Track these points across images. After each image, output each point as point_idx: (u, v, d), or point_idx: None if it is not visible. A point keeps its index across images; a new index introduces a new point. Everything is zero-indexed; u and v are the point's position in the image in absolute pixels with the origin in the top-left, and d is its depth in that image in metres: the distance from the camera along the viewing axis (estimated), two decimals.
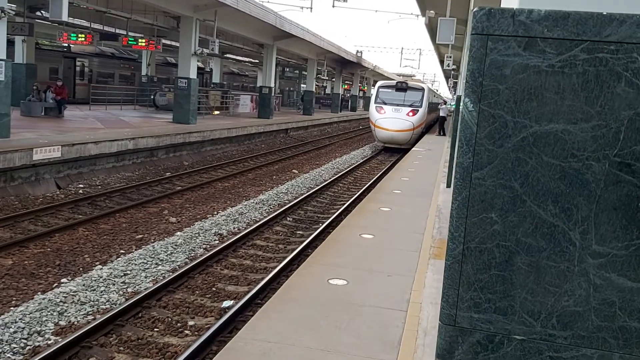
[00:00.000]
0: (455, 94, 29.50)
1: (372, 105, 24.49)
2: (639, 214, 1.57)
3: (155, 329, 6.29)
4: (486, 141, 1.65)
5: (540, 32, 1.57)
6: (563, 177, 1.62)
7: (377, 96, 24.70)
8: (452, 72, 26.02)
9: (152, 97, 30.81)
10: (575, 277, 1.63)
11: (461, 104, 1.68)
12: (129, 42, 24.64)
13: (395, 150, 24.15)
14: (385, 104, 23.87)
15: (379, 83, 26.10)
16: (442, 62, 30.31)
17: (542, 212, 1.64)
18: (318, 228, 10.50)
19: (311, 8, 32.43)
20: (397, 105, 23.73)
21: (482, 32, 1.60)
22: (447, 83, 49.30)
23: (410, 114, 23.47)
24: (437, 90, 48.76)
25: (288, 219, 11.66)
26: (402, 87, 24.69)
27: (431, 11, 17.60)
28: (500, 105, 1.62)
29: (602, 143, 1.57)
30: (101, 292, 7.09)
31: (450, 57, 20.18)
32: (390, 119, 23.17)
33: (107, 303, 6.82)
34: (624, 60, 1.53)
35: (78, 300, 6.77)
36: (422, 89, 25.13)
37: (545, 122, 1.61)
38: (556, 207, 1.63)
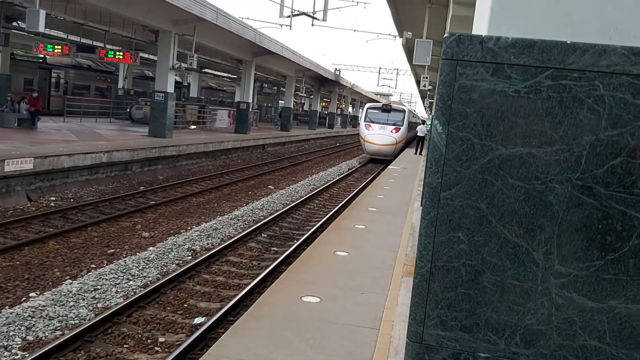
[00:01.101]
0: (431, 114, 31.45)
1: (362, 123, 28.68)
2: (599, 236, 1.62)
3: (125, 345, 6.20)
4: (454, 162, 1.70)
5: (507, 59, 1.63)
6: (527, 198, 1.67)
7: (366, 116, 29.06)
8: (429, 92, 26.34)
9: (128, 110, 30.59)
10: (538, 296, 1.67)
11: (431, 125, 1.72)
12: (107, 55, 24.49)
13: (377, 163, 27.96)
14: (372, 122, 28.16)
15: (367, 105, 30.54)
16: (418, 82, 30.69)
17: (507, 232, 1.69)
18: (293, 245, 10.48)
19: (290, 26, 32.72)
20: (383, 124, 28.02)
21: (452, 57, 1.66)
22: (424, 103, 49.87)
23: (394, 131, 27.75)
24: (414, 111, 50.67)
25: (263, 235, 11.63)
26: (386, 108, 29.46)
27: (409, 32, 17.83)
28: (468, 128, 1.68)
29: (565, 166, 1.63)
30: (70, 307, 6.98)
31: (427, 77, 20.43)
32: (377, 135, 27.50)
33: (76, 318, 6.72)
34: (586, 87, 1.60)
35: (46, 315, 6.65)
36: (404, 111, 29.65)
37: (511, 145, 1.67)
38: (520, 227, 1.68)
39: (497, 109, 1.66)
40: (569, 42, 1.61)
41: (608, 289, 1.64)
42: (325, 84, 48.48)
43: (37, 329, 6.30)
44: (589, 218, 1.62)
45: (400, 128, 28.16)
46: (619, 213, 1.61)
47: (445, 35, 1.69)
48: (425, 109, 52.83)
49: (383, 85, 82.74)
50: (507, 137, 1.66)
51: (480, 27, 2.07)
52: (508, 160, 1.67)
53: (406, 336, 1.83)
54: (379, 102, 41.90)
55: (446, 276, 1.73)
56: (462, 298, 1.72)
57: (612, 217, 1.62)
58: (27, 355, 5.70)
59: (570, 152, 1.61)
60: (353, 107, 76.43)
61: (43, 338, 6.16)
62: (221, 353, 4.54)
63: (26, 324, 6.36)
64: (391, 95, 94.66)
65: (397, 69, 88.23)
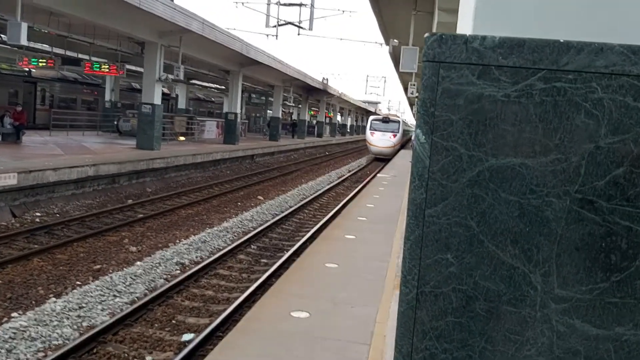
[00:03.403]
0: None
1: (368, 131, 38.03)
2: (603, 255, 1.47)
3: None
4: (439, 175, 1.54)
5: (494, 60, 1.47)
6: (522, 214, 1.52)
7: (370, 125, 37.94)
8: (416, 99, 26.39)
9: (115, 122, 30.40)
10: (537, 324, 1.50)
11: (414, 135, 1.55)
12: (92, 68, 24.31)
13: (378, 162, 35.85)
14: (375, 130, 37.16)
15: (371, 117, 40.43)
16: (406, 89, 30.97)
17: (500, 252, 1.53)
18: (283, 256, 10.34)
19: (276, 36, 32.72)
20: (383, 131, 36.86)
21: (433, 59, 1.50)
22: (412, 110, 50.07)
23: (392, 136, 36.68)
24: (405, 120, 55.82)
25: (252, 247, 11.48)
26: (386, 120, 38.62)
27: (395, 40, 17.80)
28: (453, 137, 1.52)
29: (562, 178, 1.46)
30: (54, 326, 6.80)
31: (414, 84, 20.42)
32: (379, 139, 36.58)
33: (59, 338, 6.54)
34: (583, 90, 1.44)
35: (28, 335, 6.46)
36: (399, 121, 38.88)
37: (502, 156, 1.51)
38: (515, 247, 1.52)
39: (485, 116, 1.51)
40: (562, 40, 1.46)
41: (614, 314, 1.47)
42: (313, 92, 48.49)
43: (19, 351, 6.11)
44: (591, 235, 1.46)
45: (397, 134, 36.93)
46: (623, 229, 1.45)
47: (425, 35, 1.53)
48: (414, 116, 53.20)
49: (371, 93, 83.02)
50: (497, 146, 1.51)
51: (465, 26, 1.91)
52: (499, 172, 1.51)
53: None
54: (379, 114, 52.13)
55: (434, 303, 1.56)
56: (452, 327, 1.55)
57: (616, 234, 1.46)
58: None
59: (568, 162, 1.45)
60: (342, 116, 76.50)
61: None
62: None
63: (7, 346, 6.16)
64: (379, 102, 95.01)
65: (385, 77, 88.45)
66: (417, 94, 22.85)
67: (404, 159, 32.96)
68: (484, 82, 1.48)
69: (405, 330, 1.57)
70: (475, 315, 1.53)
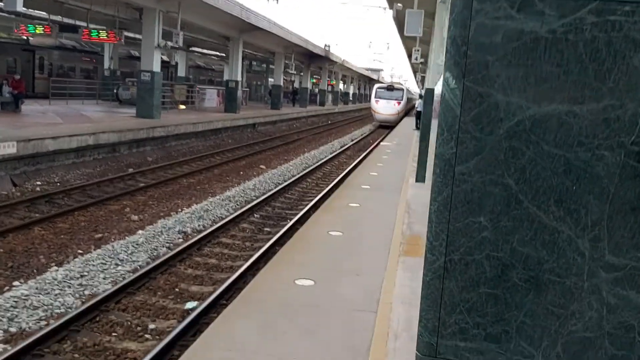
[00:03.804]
0: (422, 88, 38.35)
1: (373, 99, 38.85)
2: None
3: (114, 334, 5.99)
4: (472, 127, 1.34)
5: None
6: (568, 170, 1.31)
7: (375, 93, 38.81)
8: (420, 65, 26.03)
9: (114, 91, 30.07)
10: (585, 295, 1.30)
11: (441, 80, 1.29)
12: (90, 35, 23.88)
13: (384, 128, 36.53)
14: (380, 98, 37.95)
15: (376, 85, 41.57)
16: (409, 56, 30.54)
17: (542, 214, 1.34)
18: (286, 225, 10.23)
19: (277, 0, 32.08)
20: (388, 99, 37.65)
21: None
22: (415, 77, 49.55)
23: (396, 104, 37.47)
24: (409, 88, 55.60)
25: (255, 215, 11.37)
26: (390, 87, 39.74)
27: (399, 4, 17.39)
28: (489, 81, 1.30)
29: (616, 128, 1.24)
30: (56, 295, 6.74)
31: (418, 50, 20.04)
32: (384, 107, 37.41)
33: (61, 307, 6.48)
34: None
35: (30, 304, 6.40)
36: (403, 89, 40.02)
37: (546, 103, 1.30)
38: (560, 208, 1.32)
39: (526, 56, 1.29)
40: None
41: None
42: (315, 60, 47.91)
43: (21, 320, 6.06)
44: None
45: (400, 102, 37.82)
46: None
47: None
48: (417, 84, 52.69)
49: (374, 60, 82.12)
50: (540, 91, 1.30)
51: None
52: (542, 122, 1.30)
53: (416, 348, 1.46)
54: (383, 83, 52.46)
55: (465, 272, 1.37)
56: (486, 299, 1.37)
57: None
58: (9, 348, 5.44)
59: (623, 110, 1.22)
60: (344, 84, 75.77)
61: (27, 329, 5.88)
62: (210, 343, 4.28)
63: (8, 314, 6.11)
64: (382, 70, 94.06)
65: (388, 43, 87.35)
66: (421, 60, 22.51)
67: (408, 126, 33.18)
68: (525, 16, 1.25)
69: (432, 303, 1.37)
70: (512, 286, 1.34)
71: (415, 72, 46.21)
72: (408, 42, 25.31)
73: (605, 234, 1.31)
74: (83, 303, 6.57)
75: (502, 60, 1.32)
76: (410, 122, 37.11)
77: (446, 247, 1.39)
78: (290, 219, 10.76)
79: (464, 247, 1.39)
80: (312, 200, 12.60)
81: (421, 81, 39.74)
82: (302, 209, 11.62)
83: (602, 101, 1.26)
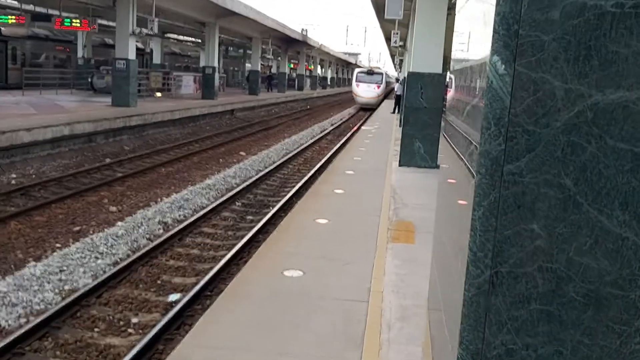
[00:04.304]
0: (400, 72, 40.07)
1: (354, 83, 40.56)
2: None
3: (96, 329, 5.83)
4: (524, 119, 1.17)
5: None
6: (636, 168, 1.15)
7: (356, 77, 40.65)
8: (399, 48, 25.93)
9: (89, 80, 29.55)
10: None
11: (487, 64, 1.11)
12: (63, 23, 23.36)
13: (365, 111, 37.49)
14: (361, 82, 39.68)
15: (357, 70, 43.25)
16: (388, 39, 30.40)
17: (605, 219, 1.18)
18: (268, 212, 10.11)
19: None
20: (368, 82, 39.45)
21: None
22: (393, 61, 49.46)
23: (376, 87, 39.41)
24: (387, 72, 55.56)
25: (237, 203, 11.23)
26: (370, 72, 41.47)
27: None
28: (545, 65, 1.13)
29: None
30: (35, 291, 6.55)
31: (397, 33, 19.90)
32: (365, 91, 39.21)
33: (41, 303, 6.30)
34: None
35: (9, 302, 6.21)
36: (382, 74, 41.87)
37: (612, 89, 1.13)
38: (625, 212, 1.17)
39: (589, 35, 1.12)
40: None
41: None
42: (292, 44, 47.60)
43: (0, 318, 5.85)
44: None
45: (380, 85, 39.94)
46: None
47: None
48: (395, 67, 52.68)
49: (352, 44, 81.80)
50: (605, 76, 1.13)
51: None
52: (607, 112, 1.13)
53: None
54: (363, 67, 53.78)
55: (514, 287, 1.23)
56: (537, 317, 1.23)
57: None
58: None
59: None
60: (322, 68, 75.43)
61: (6, 327, 5.72)
62: (198, 342, 4.15)
63: None
64: (359, 54, 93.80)
65: (365, 27, 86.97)
66: (400, 44, 22.38)
67: (388, 109, 33.07)
68: None
69: (474, 322, 1.20)
70: (567, 302, 1.19)
71: (393, 56, 46.07)
72: (386, 25, 25.17)
73: None
74: (63, 298, 6.41)
75: (560, 41, 1.15)
76: (390, 104, 36.80)
77: (492, 258, 1.23)
78: (273, 206, 10.64)
79: (514, 258, 1.24)
80: (294, 186, 12.49)
81: (399, 64, 39.57)
82: (284, 196, 11.51)
83: None
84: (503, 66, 1.16)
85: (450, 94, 3.15)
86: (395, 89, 33.16)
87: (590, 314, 1.24)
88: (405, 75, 17.67)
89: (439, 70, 12.02)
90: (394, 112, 30.29)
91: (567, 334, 1.23)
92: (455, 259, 1.59)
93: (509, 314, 1.24)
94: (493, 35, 1.19)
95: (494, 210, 1.22)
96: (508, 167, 1.22)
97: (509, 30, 1.16)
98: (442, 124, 12.81)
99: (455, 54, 2.81)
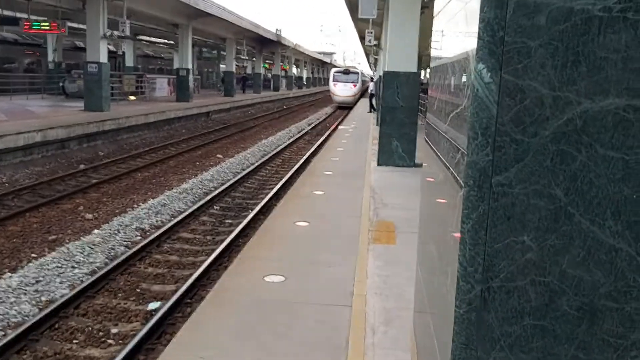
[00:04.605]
0: (375, 71, 39.30)
1: (331, 82, 41.83)
2: None
3: (75, 341, 5.71)
4: (512, 128, 1.13)
5: None
6: (628, 177, 1.11)
7: (333, 77, 41.96)
8: (374, 47, 26.00)
9: (60, 84, 29.07)
10: None
11: (472, 72, 1.07)
12: (32, 27, 22.94)
13: (342, 109, 38.43)
14: (338, 81, 40.98)
15: (333, 70, 44.54)
16: (362, 38, 30.48)
17: (597, 230, 1.14)
18: (248, 215, 10.04)
19: None
20: (344, 82, 40.72)
21: None
22: (368, 60, 49.68)
23: (352, 86, 40.68)
24: (362, 71, 55.48)
25: (215, 207, 11.13)
26: (347, 71, 42.82)
27: None
28: (532, 72, 1.10)
29: None
30: (11, 303, 6.40)
31: (372, 32, 19.94)
32: (341, 90, 40.41)
33: (18, 316, 6.15)
34: None
35: None
36: (358, 73, 43.34)
37: (601, 97, 1.10)
38: (618, 222, 1.13)
39: (576, 40, 1.08)
40: None
41: None
42: (267, 45, 47.46)
43: None
44: None
45: (357, 84, 41.30)
46: None
47: None
48: (370, 66, 52.91)
49: (326, 43, 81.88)
50: (594, 83, 1.09)
51: None
52: (597, 120, 1.09)
53: None
54: (339, 67, 55.55)
55: (506, 302, 1.18)
56: (531, 332, 1.18)
57: None
58: None
59: None
60: (297, 68, 75.34)
61: None
62: (178, 354, 4.08)
63: None
64: (334, 53, 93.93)
65: (339, 26, 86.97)
66: (375, 43, 22.44)
67: (364, 108, 33.32)
68: None
69: (466, 340, 1.16)
70: (561, 315, 1.16)
71: (367, 55, 46.21)
72: (361, 25, 25.22)
73: None
74: (41, 310, 6.28)
75: (547, 47, 1.11)
76: (365, 103, 37.36)
77: (483, 273, 1.19)
78: (252, 209, 10.57)
79: (505, 272, 1.20)
80: (273, 188, 12.43)
81: (374, 63, 39.65)
82: (263, 199, 11.44)
83: None
84: (489, 74, 1.12)
85: (432, 93, 3.13)
86: (370, 88, 33.61)
87: (584, 327, 1.21)
88: (381, 74, 17.71)
89: (414, 69, 12.08)
90: (370, 111, 30.44)
91: (561, 348, 1.20)
92: (443, 272, 1.55)
93: (502, 330, 1.21)
94: (477, 42, 1.15)
95: (483, 223, 1.18)
96: (497, 179, 1.18)
97: (494, 36, 1.12)
98: (420, 122, 12.87)
99: (434, 52, 2.79)
